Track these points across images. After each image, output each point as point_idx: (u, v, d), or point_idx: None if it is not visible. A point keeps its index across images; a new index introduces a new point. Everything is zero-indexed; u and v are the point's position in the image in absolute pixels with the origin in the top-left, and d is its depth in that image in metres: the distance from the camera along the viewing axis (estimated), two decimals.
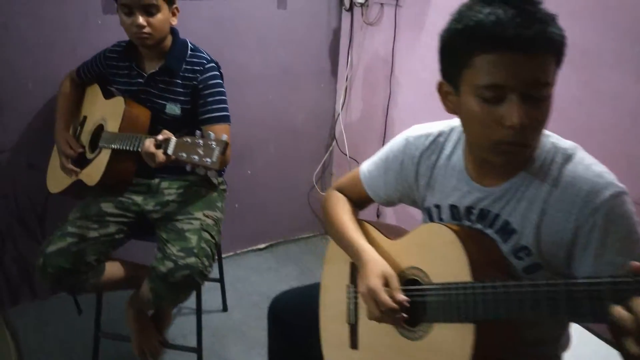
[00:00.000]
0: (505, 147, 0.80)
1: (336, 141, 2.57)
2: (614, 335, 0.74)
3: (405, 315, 0.91)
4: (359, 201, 1.20)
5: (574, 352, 1.00)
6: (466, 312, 0.81)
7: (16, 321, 2.04)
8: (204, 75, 1.64)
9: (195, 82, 1.64)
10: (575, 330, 1.04)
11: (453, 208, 0.96)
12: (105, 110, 1.72)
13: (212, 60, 1.67)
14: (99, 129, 1.71)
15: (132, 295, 1.71)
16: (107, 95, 1.77)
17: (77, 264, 1.51)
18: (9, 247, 2.06)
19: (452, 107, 0.89)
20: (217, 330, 2.08)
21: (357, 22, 2.34)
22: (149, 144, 1.38)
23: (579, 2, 1.41)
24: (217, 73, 1.67)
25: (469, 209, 0.93)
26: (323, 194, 2.71)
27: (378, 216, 2.40)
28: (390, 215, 2.35)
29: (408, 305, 0.90)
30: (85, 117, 1.82)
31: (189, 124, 1.69)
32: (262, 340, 1.99)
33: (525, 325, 0.84)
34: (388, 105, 2.21)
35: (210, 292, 2.19)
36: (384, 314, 0.92)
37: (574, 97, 1.45)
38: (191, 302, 1.72)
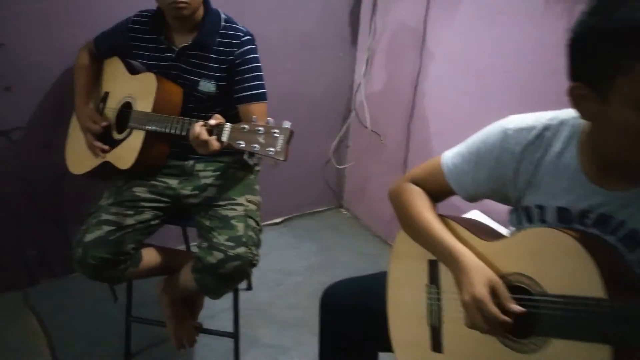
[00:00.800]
0: None
1: (356, 113, 2.49)
2: None
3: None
4: (438, 195, 1.14)
5: None
6: (602, 333, 0.77)
7: (39, 303, 1.97)
8: (241, 49, 1.53)
9: (231, 57, 1.52)
10: None
11: (562, 211, 0.91)
12: (132, 87, 1.59)
13: (248, 33, 1.56)
14: (126, 107, 1.59)
15: (166, 281, 1.65)
16: (132, 70, 1.64)
17: (117, 254, 1.42)
18: (25, 229, 1.95)
19: (590, 114, 0.80)
20: (245, 311, 2.03)
21: None
22: (200, 129, 1.27)
23: None
24: (254, 46, 1.56)
25: (584, 213, 0.88)
26: (339, 167, 2.65)
27: None
28: None
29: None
30: (107, 93, 1.69)
31: (223, 102, 1.58)
32: (291, 321, 1.99)
33: None
34: (418, 78, 2.13)
35: None
36: (491, 326, 0.88)
37: None
38: None
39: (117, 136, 1.59)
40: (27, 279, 2.03)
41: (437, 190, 1.13)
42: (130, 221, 1.47)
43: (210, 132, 1.28)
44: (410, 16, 2.12)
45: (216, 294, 1.47)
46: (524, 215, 0.99)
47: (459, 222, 1.08)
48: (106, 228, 1.43)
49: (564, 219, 0.91)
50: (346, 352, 1.29)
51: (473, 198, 1.09)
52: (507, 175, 0.98)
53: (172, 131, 1.41)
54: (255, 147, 1.20)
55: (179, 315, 1.64)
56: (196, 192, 1.57)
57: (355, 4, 2.35)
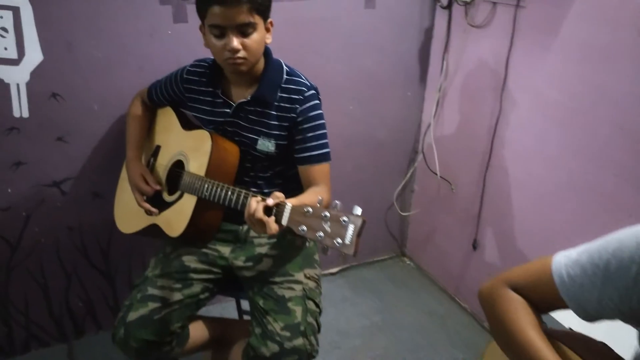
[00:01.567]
0: None
1: (424, 157, 2.28)
2: None
3: None
4: (543, 305, 0.92)
5: None
6: None
7: (85, 356, 1.88)
8: (304, 106, 1.36)
9: (293, 114, 1.36)
10: None
11: None
12: (184, 144, 1.46)
13: (311, 87, 1.39)
14: (178, 165, 1.46)
15: (214, 357, 1.50)
16: (185, 124, 1.52)
17: (162, 335, 1.29)
18: (74, 280, 1.87)
19: None
20: None
21: (457, 23, 2.01)
22: (256, 206, 1.11)
23: None
24: (318, 102, 1.39)
25: None
26: (403, 213, 2.44)
27: (475, 248, 2.12)
28: (491, 248, 2.06)
29: None
30: (158, 147, 1.57)
31: (283, 160, 1.42)
32: None
33: None
34: (496, 124, 1.90)
35: None
36: None
37: None
38: None
39: (167, 198, 1.46)
40: (73, 330, 1.95)
41: (544, 302, 0.91)
42: (177, 296, 1.34)
43: (268, 211, 1.11)
44: (489, 55, 1.89)
45: None
46: None
47: (574, 345, 0.86)
48: (151, 305, 1.29)
49: None
50: None
51: (593, 319, 0.86)
52: None
53: (226, 203, 1.26)
54: (320, 235, 1.02)
55: None
56: (250, 263, 1.41)
57: (425, 41, 2.15)
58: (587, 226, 1.65)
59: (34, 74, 1.57)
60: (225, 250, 1.44)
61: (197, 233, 1.40)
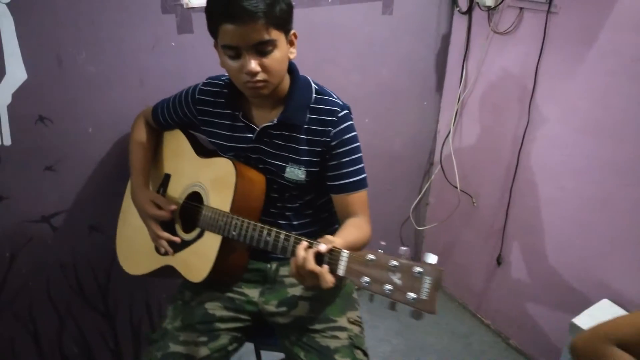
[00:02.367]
0: None
1: (442, 169, 2.14)
2: None
3: None
4: None
5: None
6: None
7: None
8: (338, 128, 1.20)
9: (326, 138, 1.20)
10: None
11: None
12: (202, 174, 1.29)
13: (344, 106, 1.23)
14: (193, 198, 1.28)
15: None
16: (200, 150, 1.34)
17: None
18: (68, 323, 1.66)
19: None
20: None
21: (479, 29, 1.88)
22: (305, 254, 0.95)
23: None
24: (352, 122, 1.24)
25: None
26: (419, 228, 2.30)
27: (499, 263, 2.01)
28: (518, 264, 1.95)
29: None
30: (168, 176, 1.38)
31: (313, 189, 1.26)
32: None
33: None
34: (524, 137, 1.78)
35: None
36: None
37: None
38: None
39: (184, 235, 1.28)
40: None
41: None
42: (204, 351, 1.16)
43: (319, 259, 0.95)
44: (515, 64, 1.77)
45: None
46: None
47: None
48: None
49: None
50: None
51: None
52: None
53: (261, 246, 1.09)
54: (388, 289, 0.87)
55: None
56: (283, 308, 1.24)
57: (442, 48, 2.01)
58: (625, 244, 1.55)
59: (17, 95, 1.35)
60: (254, 293, 1.27)
61: (222, 277, 1.23)
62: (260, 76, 1.08)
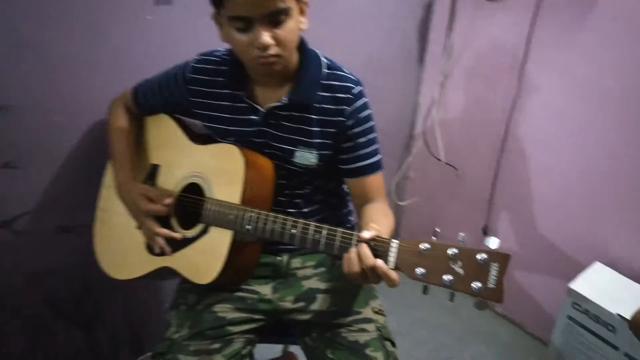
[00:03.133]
0: None
1: (425, 142, 2.09)
2: None
3: None
4: None
5: None
6: None
7: None
8: (354, 106, 1.10)
9: (341, 118, 1.09)
10: None
11: None
12: (200, 162, 1.14)
13: (358, 82, 1.13)
14: (191, 190, 1.14)
15: None
16: (195, 136, 1.19)
17: None
18: (41, 343, 1.48)
19: None
20: None
21: None
22: (361, 250, 0.86)
23: None
24: (367, 100, 1.14)
25: None
26: (400, 203, 2.25)
27: (485, 233, 2.00)
28: (506, 234, 1.95)
29: None
30: (156, 167, 1.23)
31: (324, 173, 1.16)
32: None
33: None
34: (513, 106, 1.75)
35: None
36: None
37: None
38: None
39: (183, 232, 1.14)
40: None
41: None
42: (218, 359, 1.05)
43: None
44: (506, 32, 1.73)
45: None
46: None
47: None
48: None
49: None
50: None
51: None
52: None
53: (284, 239, 0.98)
54: (448, 279, 0.80)
55: None
56: (301, 304, 1.14)
57: (423, 17, 1.93)
58: (624, 213, 1.56)
59: None
60: (266, 290, 1.16)
61: (234, 276, 1.11)
62: (273, 50, 0.96)
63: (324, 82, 1.09)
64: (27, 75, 1.20)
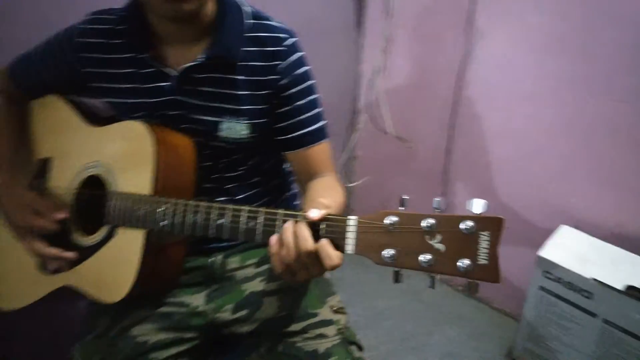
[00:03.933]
0: None
1: (372, 115, 1.91)
2: None
3: None
4: None
5: None
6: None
7: None
8: (288, 61, 0.90)
9: (274, 76, 0.89)
10: None
11: None
12: (100, 149, 0.91)
13: (290, 32, 0.93)
14: (93, 184, 0.90)
15: None
16: (92, 116, 0.95)
17: None
18: None
19: None
20: None
21: None
22: (296, 230, 0.66)
23: None
24: (304, 53, 0.93)
25: None
26: (349, 185, 2.07)
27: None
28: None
29: None
30: (46, 161, 0.97)
31: (259, 149, 0.95)
32: None
33: None
34: (463, 65, 1.60)
35: None
36: None
37: None
38: None
39: (82, 240, 0.90)
40: None
41: None
42: None
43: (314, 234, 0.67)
44: None
45: None
46: None
47: None
48: None
49: None
50: None
51: None
52: None
53: (217, 234, 0.76)
54: (426, 260, 0.62)
55: None
56: (243, 312, 0.93)
57: None
58: (586, 170, 1.45)
59: None
60: (197, 300, 0.94)
61: (152, 288, 0.88)
62: None
63: (249, 34, 0.89)
64: None
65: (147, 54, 0.86)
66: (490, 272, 0.59)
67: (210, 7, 0.86)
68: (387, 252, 0.63)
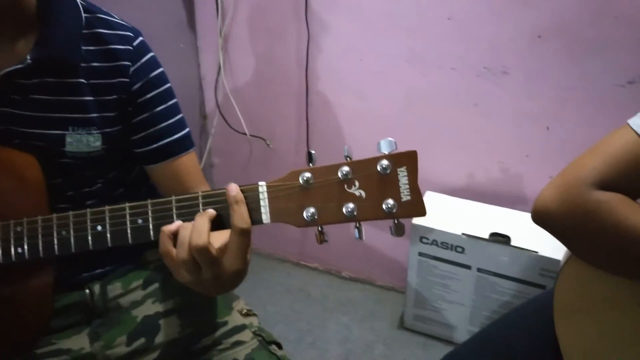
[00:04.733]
0: None
1: (223, 118, 1.82)
2: None
3: None
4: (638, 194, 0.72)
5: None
6: None
7: None
8: (139, 63, 0.80)
9: (123, 80, 0.78)
10: None
11: None
12: None
13: (136, 30, 0.83)
14: None
15: None
16: None
17: None
18: None
19: None
20: None
21: None
22: (201, 222, 0.57)
23: None
24: (153, 53, 0.84)
25: None
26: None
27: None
28: None
29: None
30: None
31: (117, 161, 0.83)
32: None
33: None
34: (307, 55, 1.61)
35: None
36: None
37: None
38: None
39: None
40: None
41: None
42: None
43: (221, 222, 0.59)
44: None
45: None
46: None
47: None
48: None
49: None
50: None
51: None
52: None
53: (72, 248, 0.63)
54: (349, 210, 0.58)
55: None
56: (141, 340, 0.79)
57: None
58: (435, 134, 1.56)
59: None
60: (81, 342, 0.77)
61: (10, 344, 0.70)
62: None
63: (87, 31, 0.76)
64: None
65: None
66: (415, 206, 0.58)
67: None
68: (308, 212, 0.58)
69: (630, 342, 0.74)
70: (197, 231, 0.56)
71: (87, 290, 0.80)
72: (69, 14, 0.75)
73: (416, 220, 1.52)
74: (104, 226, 0.61)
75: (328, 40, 1.57)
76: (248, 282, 1.64)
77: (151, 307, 0.82)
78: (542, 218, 0.74)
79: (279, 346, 0.84)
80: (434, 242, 1.52)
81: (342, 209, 0.57)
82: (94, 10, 0.78)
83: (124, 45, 0.78)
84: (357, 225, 0.59)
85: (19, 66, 0.70)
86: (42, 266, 0.70)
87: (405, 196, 0.57)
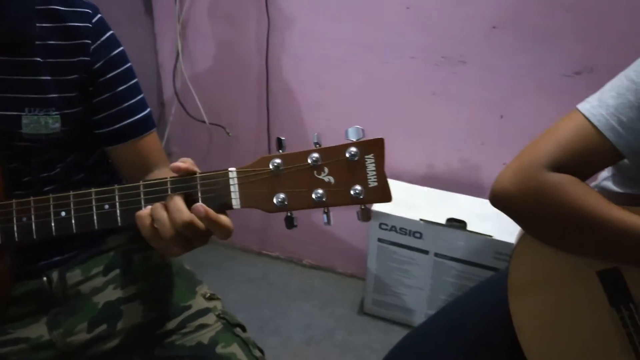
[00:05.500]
0: None
1: (182, 106, 1.79)
2: None
3: None
4: (588, 175, 0.76)
5: None
6: None
7: None
8: (99, 41, 0.78)
9: (83, 58, 0.76)
10: None
11: None
12: None
13: (94, 7, 0.80)
14: None
15: None
16: None
17: None
18: None
19: None
20: None
21: None
22: (168, 202, 0.56)
23: None
24: (113, 32, 0.82)
25: None
26: None
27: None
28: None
29: None
30: None
31: (77, 142, 0.81)
32: None
33: None
34: (268, 42, 1.61)
35: None
36: None
37: None
38: None
39: None
40: None
41: (591, 169, 0.76)
42: None
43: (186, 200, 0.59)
44: None
45: None
46: None
47: None
48: None
49: None
50: None
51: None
52: None
53: (65, 231, 0.61)
54: (318, 195, 0.59)
55: None
56: (103, 327, 0.78)
57: None
58: (396, 125, 1.59)
59: None
60: (39, 330, 0.75)
61: None
62: None
63: (41, 7, 0.73)
64: None
65: None
66: (382, 192, 0.60)
67: None
68: (278, 197, 0.59)
69: (580, 315, 0.78)
70: (176, 209, 0.56)
71: (45, 278, 0.77)
72: None
73: (376, 207, 1.54)
74: (68, 212, 0.60)
75: (289, 27, 1.57)
76: (209, 271, 1.64)
77: (113, 293, 0.81)
78: (500, 200, 0.77)
79: (243, 329, 0.85)
80: (393, 228, 1.55)
81: (311, 195, 0.58)
82: None
83: (82, 22, 0.76)
84: (326, 210, 0.60)
85: None
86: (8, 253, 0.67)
87: (373, 182, 0.59)
